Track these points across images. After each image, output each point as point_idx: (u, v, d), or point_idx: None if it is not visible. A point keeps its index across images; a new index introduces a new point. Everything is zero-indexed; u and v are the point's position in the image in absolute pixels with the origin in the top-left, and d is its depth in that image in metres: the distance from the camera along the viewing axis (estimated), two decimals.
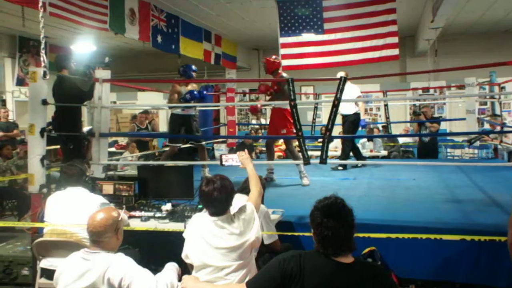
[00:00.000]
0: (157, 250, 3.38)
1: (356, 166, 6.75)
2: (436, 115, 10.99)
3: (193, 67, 5.87)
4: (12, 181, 6.17)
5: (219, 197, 2.49)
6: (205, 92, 5.68)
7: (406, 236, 3.22)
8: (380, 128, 9.77)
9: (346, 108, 6.49)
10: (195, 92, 5.52)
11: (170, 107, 5.91)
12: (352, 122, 6.52)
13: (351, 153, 6.69)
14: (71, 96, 4.60)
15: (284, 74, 5.49)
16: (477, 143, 7.07)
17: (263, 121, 10.62)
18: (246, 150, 3.20)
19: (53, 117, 4.85)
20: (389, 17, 7.21)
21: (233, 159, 3.16)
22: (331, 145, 8.56)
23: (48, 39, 9.52)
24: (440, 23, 8.07)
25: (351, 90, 6.35)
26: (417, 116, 8.38)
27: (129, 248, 3.17)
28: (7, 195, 6.09)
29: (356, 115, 6.50)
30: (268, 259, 2.55)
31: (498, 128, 7.16)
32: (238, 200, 2.75)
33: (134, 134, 8.54)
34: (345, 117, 6.61)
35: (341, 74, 6.40)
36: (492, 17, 9.74)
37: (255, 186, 2.88)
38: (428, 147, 8.13)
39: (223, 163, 3.22)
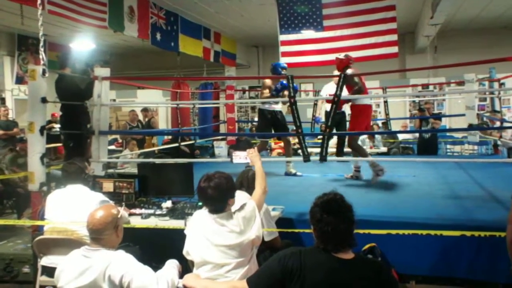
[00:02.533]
0: (157, 248, 3.38)
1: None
2: (435, 111, 11.00)
3: (282, 64, 6.03)
4: (6, 179, 6.13)
5: (213, 195, 2.48)
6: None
7: (406, 232, 3.22)
8: (380, 125, 9.77)
9: (328, 106, 6.52)
10: (284, 82, 5.60)
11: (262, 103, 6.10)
12: (339, 120, 6.28)
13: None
14: (70, 94, 4.62)
15: (349, 71, 5.20)
16: (477, 139, 7.07)
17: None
18: (255, 148, 3.22)
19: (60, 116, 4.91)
20: (388, 14, 7.21)
21: (242, 157, 3.19)
22: (331, 142, 8.56)
23: (47, 37, 9.48)
24: (440, 19, 8.06)
25: (333, 88, 6.33)
26: (423, 112, 8.38)
27: (130, 246, 3.17)
28: (6, 194, 6.06)
29: (343, 113, 6.41)
30: (269, 256, 2.55)
31: (497, 124, 7.17)
32: (240, 197, 2.75)
33: (133, 133, 8.54)
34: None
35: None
36: (491, 13, 9.73)
37: (259, 184, 2.88)
38: (428, 143, 8.13)
39: (233, 160, 3.25)
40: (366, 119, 5.36)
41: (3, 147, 7.23)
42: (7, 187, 6.03)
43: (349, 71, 5.27)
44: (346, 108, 6.38)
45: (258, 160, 3.08)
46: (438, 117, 8.63)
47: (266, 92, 5.83)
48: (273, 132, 6.14)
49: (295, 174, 5.96)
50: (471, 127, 6.37)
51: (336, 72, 5.22)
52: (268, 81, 5.90)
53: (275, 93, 5.74)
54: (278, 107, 6.04)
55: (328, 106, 6.32)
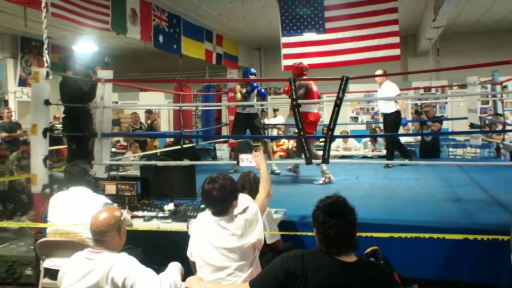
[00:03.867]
0: (160, 250, 3.39)
1: (387, 166, 6.63)
2: (438, 114, 10.98)
3: (252, 70, 6.43)
4: (13, 181, 6.15)
5: (218, 196, 2.49)
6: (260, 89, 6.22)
7: (408, 235, 3.21)
8: (382, 128, 9.74)
9: (385, 107, 6.56)
10: (254, 84, 6.03)
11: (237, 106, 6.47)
12: (393, 121, 6.53)
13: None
14: (73, 96, 4.64)
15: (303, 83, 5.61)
16: (479, 142, 7.05)
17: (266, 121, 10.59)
18: (261, 151, 3.23)
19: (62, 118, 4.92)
20: (390, 16, 7.21)
21: (248, 160, 3.20)
22: (333, 145, 8.56)
23: (50, 40, 9.50)
24: (442, 22, 8.06)
25: (390, 88, 6.44)
26: (419, 116, 8.37)
27: (132, 248, 3.18)
28: (8, 198, 6.06)
29: (397, 113, 6.50)
30: (271, 259, 2.55)
31: (500, 127, 7.15)
32: (243, 200, 2.75)
33: (136, 135, 8.55)
34: (385, 116, 6.62)
35: (379, 71, 6.43)
36: (493, 16, 9.73)
37: (263, 188, 2.89)
38: (430, 147, 8.12)
39: (240, 163, 3.27)
40: (313, 124, 5.74)
41: (7, 149, 7.25)
42: (12, 190, 6.03)
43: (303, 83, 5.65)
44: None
45: (264, 163, 3.09)
46: (438, 120, 8.61)
47: (238, 96, 6.09)
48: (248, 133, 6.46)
49: (273, 172, 6.24)
50: (472, 126, 6.38)
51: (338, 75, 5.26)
52: (238, 86, 6.22)
53: (246, 95, 5.97)
54: (253, 110, 6.35)
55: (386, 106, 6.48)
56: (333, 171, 6.17)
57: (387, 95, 6.43)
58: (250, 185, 3.25)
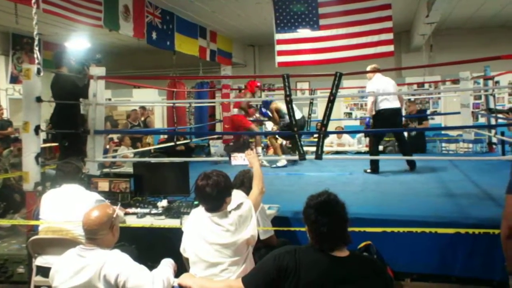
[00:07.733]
0: (153, 247, 3.38)
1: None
2: (431, 109, 11.05)
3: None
4: (6, 180, 6.10)
5: (211, 193, 2.48)
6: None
7: (401, 230, 3.23)
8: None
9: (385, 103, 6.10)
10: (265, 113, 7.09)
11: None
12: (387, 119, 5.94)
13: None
14: (67, 93, 4.59)
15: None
16: (472, 137, 7.09)
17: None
18: (254, 149, 3.24)
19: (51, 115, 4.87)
20: (384, 13, 7.20)
21: (241, 158, 3.21)
22: (327, 141, 8.59)
23: (42, 36, 9.45)
24: (435, 18, 8.08)
25: (388, 83, 6.16)
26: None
27: (125, 245, 3.16)
28: (1, 196, 6.00)
29: (386, 111, 5.96)
30: (265, 254, 2.55)
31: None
32: (237, 196, 2.75)
33: (129, 132, 8.52)
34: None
35: (370, 66, 6.33)
36: (487, 12, 9.76)
37: (256, 185, 2.90)
38: (416, 141, 8.22)
39: (232, 162, 3.27)
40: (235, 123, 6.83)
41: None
42: (6, 189, 5.97)
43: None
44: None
45: (256, 161, 3.10)
46: (424, 115, 8.64)
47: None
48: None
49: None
50: (466, 126, 6.42)
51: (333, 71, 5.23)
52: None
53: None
54: None
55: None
56: (327, 166, 6.19)
57: (387, 89, 6.10)
58: (250, 182, 3.24)
